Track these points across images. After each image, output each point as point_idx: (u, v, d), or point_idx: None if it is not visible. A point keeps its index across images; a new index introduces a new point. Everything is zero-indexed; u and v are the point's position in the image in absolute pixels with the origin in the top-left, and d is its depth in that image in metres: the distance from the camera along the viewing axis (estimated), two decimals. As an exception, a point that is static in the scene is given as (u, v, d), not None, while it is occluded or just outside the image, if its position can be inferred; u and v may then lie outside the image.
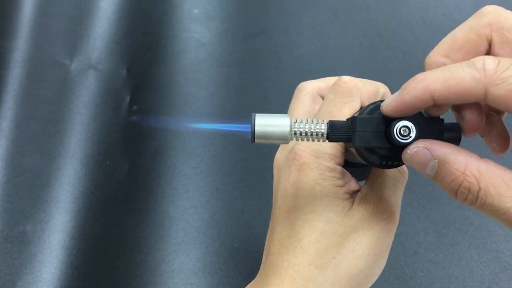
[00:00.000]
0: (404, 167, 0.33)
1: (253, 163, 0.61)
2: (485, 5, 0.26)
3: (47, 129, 0.64)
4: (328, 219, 0.31)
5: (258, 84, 0.68)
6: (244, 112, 0.65)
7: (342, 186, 0.32)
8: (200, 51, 0.70)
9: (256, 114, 0.27)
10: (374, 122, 0.26)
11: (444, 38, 0.26)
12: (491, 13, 0.25)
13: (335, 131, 0.27)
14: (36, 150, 0.63)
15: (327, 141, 0.28)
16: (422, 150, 0.25)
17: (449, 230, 0.55)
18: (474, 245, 0.54)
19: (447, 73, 0.23)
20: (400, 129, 0.26)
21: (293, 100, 0.38)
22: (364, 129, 0.26)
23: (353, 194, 0.32)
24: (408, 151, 0.26)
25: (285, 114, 0.28)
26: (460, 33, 0.26)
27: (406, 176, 0.33)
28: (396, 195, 0.32)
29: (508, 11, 0.25)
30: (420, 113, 0.27)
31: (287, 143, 0.28)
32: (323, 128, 0.27)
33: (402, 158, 0.26)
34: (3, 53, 0.69)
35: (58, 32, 0.72)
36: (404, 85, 0.25)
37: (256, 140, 0.27)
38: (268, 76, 0.68)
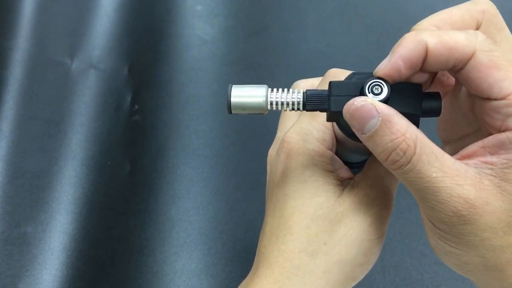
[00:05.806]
0: None
1: (255, 164, 0.60)
2: (493, 3, 0.28)
3: (48, 129, 0.64)
4: (319, 205, 0.30)
5: (261, 82, 0.66)
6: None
7: (332, 172, 0.31)
8: (203, 48, 0.69)
9: (233, 86, 0.27)
10: (349, 86, 0.26)
11: (438, 12, 0.28)
12: (486, 3, 0.27)
13: (311, 100, 0.27)
14: (36, 151, 0.63)
15: (304, 111, 0.28)
16: (369, 105, 0.25)
17: (456, 231, 0.54)
18: (482, 247, 0.53)
19: (440, 32, 0.25)
20: (372, 86, 0.26)
21: None
22: (339, 93, 0.26)
23: (344, 182, 0.32)
24: (355, 103, 0.25)
25: (262, 85, 0.27)
26: (456, 10, 0.27)
27: None
28: (391, 183, 0.31)
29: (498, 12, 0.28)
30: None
31: (264, 113, 0.27)
32: (299, 97, 0.27)
33: (344, 110, 0.26)
34: (3, 52, 0.68)
35: (58, 31, 0.71)
36: (397, 43, 0.26)
37: (233, 111, 0.27)
38: (271, 74, 0.67)
